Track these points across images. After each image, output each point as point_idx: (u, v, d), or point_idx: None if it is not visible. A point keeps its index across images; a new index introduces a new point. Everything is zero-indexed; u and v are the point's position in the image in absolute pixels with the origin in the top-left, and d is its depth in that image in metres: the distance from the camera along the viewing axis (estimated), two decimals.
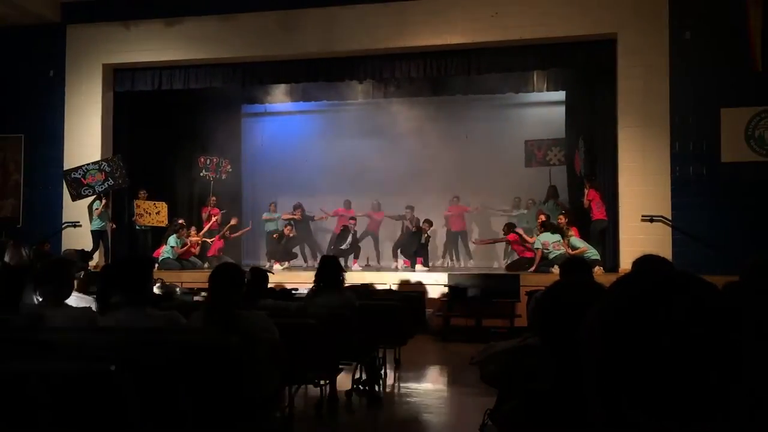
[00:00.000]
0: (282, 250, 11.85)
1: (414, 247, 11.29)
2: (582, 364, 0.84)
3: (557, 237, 9.89)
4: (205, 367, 2.82)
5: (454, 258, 12.62)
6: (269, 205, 13.11)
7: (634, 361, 0.77)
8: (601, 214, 10.06)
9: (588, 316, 0.86)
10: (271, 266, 11.02)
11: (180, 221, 11.56)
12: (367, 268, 12.07)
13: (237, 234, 12.78)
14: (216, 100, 12.76)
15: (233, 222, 12.25)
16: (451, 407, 5.73)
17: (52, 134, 11.49)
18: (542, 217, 10.41)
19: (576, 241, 9.83)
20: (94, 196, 10.62)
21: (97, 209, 10.63)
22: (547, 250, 9.87)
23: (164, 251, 11.14)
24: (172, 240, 11.19)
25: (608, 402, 0.79)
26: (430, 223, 11.53)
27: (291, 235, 11.97)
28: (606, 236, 10.11)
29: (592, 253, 9.61)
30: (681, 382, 0.75)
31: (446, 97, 12.64)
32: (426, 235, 11.28)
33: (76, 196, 10.55)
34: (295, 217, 12.41)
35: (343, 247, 11.71)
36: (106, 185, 10.62)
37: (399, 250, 11.87)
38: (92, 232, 10.66)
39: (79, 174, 10.55)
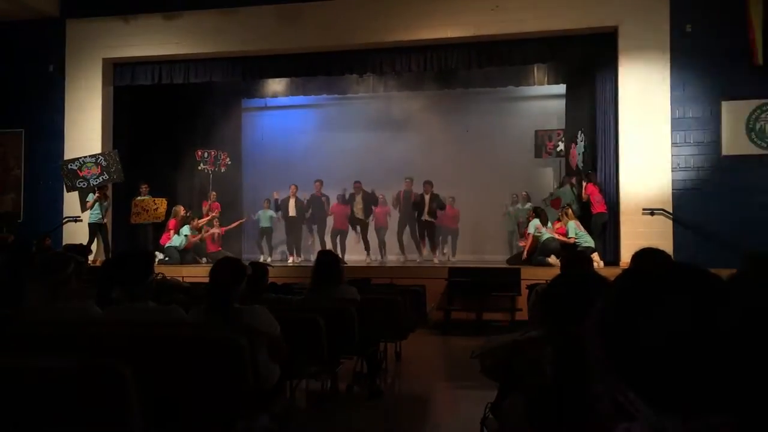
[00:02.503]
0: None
1: (419, 214, 11.38)
2: (588, 358, 0.84)
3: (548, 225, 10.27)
4: (206, 361, 2.82)
5: (447, 254, 12.51)
6: (263, 202, 13.03)
7: (639, 355, 0.77)
8: (601, 207, 10.09)
9: (593, 310, 0.86)
10: (276, 259, 11.03)
11: (189, 213, 11.61)
12: (369, 261, 12.05)
13: (231, 226, 12.58)
14: (216, 95, 12.74)
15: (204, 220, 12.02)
16: (452, 401, 5.73)
17: (52, 129, 11.51)
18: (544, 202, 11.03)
19: (571, 228, 9.95)
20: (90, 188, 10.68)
21: (88, 202, 10.66)
22: (539, 233, 10.14)
23: (174, 239, 11.19)
24: (186, 229, 11.27)
25: (615, 396, 0.79)
26: (430, 184, 11.48)
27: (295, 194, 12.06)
28: (607, 229, 10.12)
29: (583, 240, 9.81)
30: (686, 376, 0.75)
31: (447, 90, 12.61)
32: (428, 196, 11.26)
33: (70, 188, 10.65)
34: (315, 191, 12.30)
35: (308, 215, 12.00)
36: (101, 179, 10.68)
37: (407, 228, 11.83)
38: (89, 224, 10.70)
39: (76, 166, 10.62)
